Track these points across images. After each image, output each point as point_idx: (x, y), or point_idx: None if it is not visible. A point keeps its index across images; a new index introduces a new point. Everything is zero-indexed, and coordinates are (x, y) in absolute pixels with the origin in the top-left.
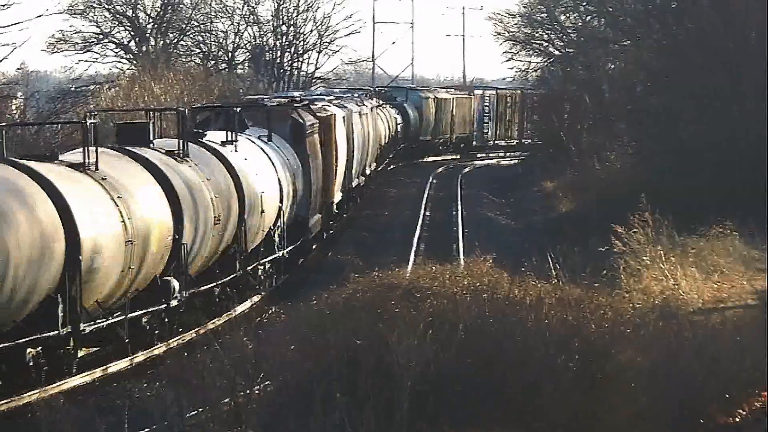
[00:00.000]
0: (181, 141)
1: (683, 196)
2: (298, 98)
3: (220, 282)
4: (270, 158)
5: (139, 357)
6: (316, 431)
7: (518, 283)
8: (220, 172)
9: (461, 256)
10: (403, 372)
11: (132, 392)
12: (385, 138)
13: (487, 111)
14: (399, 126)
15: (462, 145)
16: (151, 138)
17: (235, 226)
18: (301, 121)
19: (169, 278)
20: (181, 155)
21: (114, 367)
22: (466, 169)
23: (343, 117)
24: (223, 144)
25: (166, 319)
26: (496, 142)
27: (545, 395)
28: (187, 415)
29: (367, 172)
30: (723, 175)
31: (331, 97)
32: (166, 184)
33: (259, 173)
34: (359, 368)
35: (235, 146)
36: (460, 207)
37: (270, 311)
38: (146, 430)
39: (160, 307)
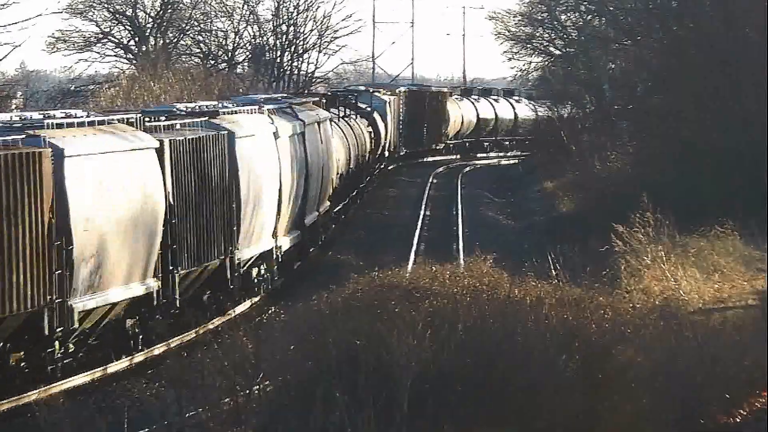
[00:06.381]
0: None
1: (684, 195)
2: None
3: None
4: None
5: (139, 357)
6: (316, 431)
7: (518, 283)
8: None
9: (461, 255)
10: (402, 372)
11: (132, 392)
12: (346, 164)
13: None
14: (371, 143)
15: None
16: None
17: None
18: None
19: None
20: None
21: (114, 367)
22: (467, 169)
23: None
24: None
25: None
26: (408, 150)
27: (545, 395)
28: (187, 414)
29: (308, 221)
30: (724, 174)
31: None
32: None
33: None
34: (359, 368)
35: None
36: (460, 207)
37: (270, 311)
38: (146, 429)
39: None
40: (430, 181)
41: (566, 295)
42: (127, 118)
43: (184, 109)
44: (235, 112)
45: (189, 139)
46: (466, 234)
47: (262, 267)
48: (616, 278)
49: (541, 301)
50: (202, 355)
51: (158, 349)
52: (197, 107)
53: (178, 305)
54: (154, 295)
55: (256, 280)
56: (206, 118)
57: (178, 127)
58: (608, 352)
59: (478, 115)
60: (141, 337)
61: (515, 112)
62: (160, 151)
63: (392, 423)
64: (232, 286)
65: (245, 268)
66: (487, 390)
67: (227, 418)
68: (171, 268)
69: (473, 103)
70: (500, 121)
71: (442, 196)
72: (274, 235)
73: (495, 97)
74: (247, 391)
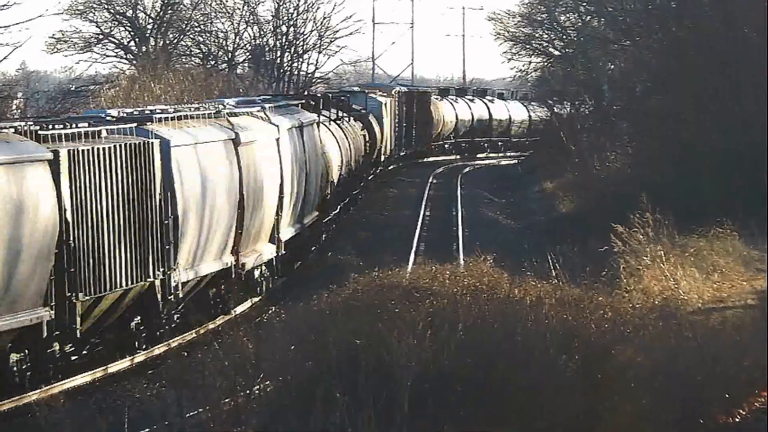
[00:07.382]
0: None
1: (683, 196)
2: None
3: None
4: None
5: (140, 357)
6: (316, 431)
7: (518, 283)
8: None
9: (461, 255)
10: (402, 372)
11: (132, 392)
12: (338, 170)
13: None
14: (366, 147)
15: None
16: None
17: None
18: None
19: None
20: None
21: (114, 367)
22: (467, 169)
23: None
24: None
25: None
26: (403, 153)
27: (545, 395)
28: (188, 415)
29: (287, 235)
30: (723, 175)
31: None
32: None
33: None
34: (359, 368)
35: None
36: (460, 207)
37: (270, 311)
38: (146, 430)
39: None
40: (430, 181)
41: (566, 295)
42: (16, 127)
43: (116, 114)
44: (182, 117)
45: (99, 148)
46: (465, 234)
47: (222, 287)
48: (615, 278)
49: (540, 301)
50: (203, 355)
51: (159, 349)
52: (134, 112)
53: (79, 335)
54: (44, 325)
55: (213, 302)
56: (135, 124)
57: (105, 134)
58: (608, 352)
59: (456, 116)
60: (29, 374)
61: (490, 113)
62: (54, 163)
63: (392, 423)
64: (164, 312)
65: (199, 288)
66: (487, 390)
67: (227, 418)
68: (69, 294)
69: (452, 103)
70: (476, 122)
71: (441, 196)
72: (235, 252)
73: (470, 97)
74: (248, 391)
